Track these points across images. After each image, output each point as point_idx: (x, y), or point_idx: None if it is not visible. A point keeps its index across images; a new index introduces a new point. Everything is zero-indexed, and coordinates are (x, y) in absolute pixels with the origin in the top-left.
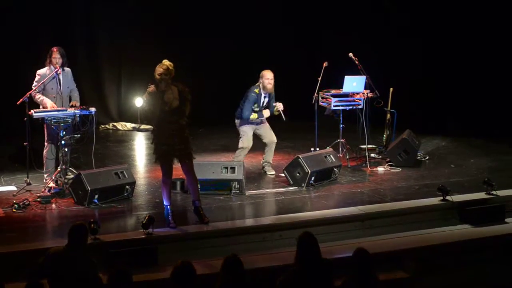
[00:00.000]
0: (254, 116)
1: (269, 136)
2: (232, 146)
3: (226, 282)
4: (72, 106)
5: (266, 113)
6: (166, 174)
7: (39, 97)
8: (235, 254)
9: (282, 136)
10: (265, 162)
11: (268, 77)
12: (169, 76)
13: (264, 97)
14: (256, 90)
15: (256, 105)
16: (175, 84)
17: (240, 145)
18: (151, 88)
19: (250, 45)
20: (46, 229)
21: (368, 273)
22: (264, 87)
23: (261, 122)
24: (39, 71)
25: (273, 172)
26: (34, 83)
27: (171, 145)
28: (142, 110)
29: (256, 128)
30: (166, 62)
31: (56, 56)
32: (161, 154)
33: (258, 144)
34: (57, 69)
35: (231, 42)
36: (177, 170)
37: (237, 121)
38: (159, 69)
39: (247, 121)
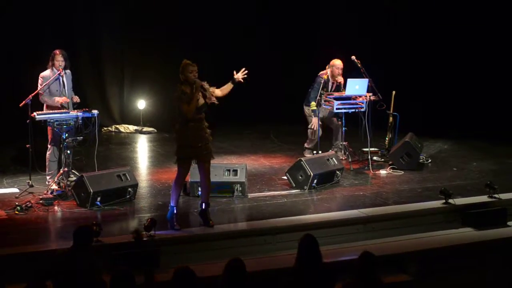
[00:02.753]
0: (313, 104)
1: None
2: (233, 148)
3: (227, 284)
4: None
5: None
6: (182, 176)
7: (48, 99)
8: (239, 258)
9: (284, 139)
10: (334, 146)
11: (338, 66)
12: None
13: (332, 83)
14: (325, 76)
15: (325, 89)
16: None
17: (308, 135)
18: (183, 87)
19: (250, 46)
20: (49, 231)
21: (373, 276)
22: (332, 75)
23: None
24: (42, 74)
25: (341, 157)
26: (39, 86)
27: (198, 146)
28: (176, 111)
29: (324, 115)
30: (187, 61)
31: (59, 59)
32: (184, 156)
33: (260, 146)
34: (60, 72)
35: (231, 43)
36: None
37: (305, 109)
38: (190, 68)
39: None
